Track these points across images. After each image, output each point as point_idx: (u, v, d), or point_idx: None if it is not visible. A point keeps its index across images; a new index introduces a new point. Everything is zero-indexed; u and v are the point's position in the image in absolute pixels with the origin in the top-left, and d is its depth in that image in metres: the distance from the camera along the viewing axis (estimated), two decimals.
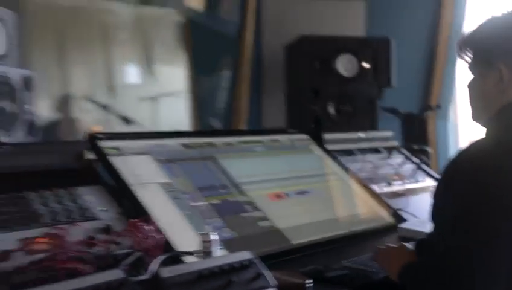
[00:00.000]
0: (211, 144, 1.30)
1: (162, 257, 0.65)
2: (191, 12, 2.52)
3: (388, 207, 1.34)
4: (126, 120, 5.72)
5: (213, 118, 1.06)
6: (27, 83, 1.12)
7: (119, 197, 0.98)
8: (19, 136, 1.08)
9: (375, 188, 1.41)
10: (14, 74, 1.10)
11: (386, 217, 1.31)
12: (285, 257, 1.02)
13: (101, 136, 1.13)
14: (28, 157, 0.99)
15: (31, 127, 1.12)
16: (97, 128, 6.16)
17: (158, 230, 0.79)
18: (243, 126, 2.35)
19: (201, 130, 2.47)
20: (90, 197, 0.96)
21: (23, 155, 0.98)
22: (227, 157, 1.27)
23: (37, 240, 0.72)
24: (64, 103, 5.94)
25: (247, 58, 2.33)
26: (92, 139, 1.11)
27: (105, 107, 5.72)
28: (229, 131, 1.37)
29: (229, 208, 1.09)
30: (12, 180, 0.95)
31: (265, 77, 2.45)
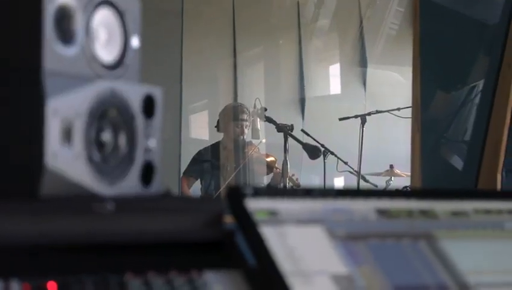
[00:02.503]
0: (427, 213, 1.22)
1: None
2: None
3: None
4: (313, 151, 5.82)
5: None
6: (149, 105, 1.14)
7: None
8: (131, 186, 1.09)
9: None
10: (134, 93, 1.12)
11: None
12: None
13: (249, 191, 1.11)
14: (136, 220, 0.99)
15: (149, 171, 1.13)
16: (270, 160, 6.32)
17: None
18: (498, 173, 2.22)
19: (421, 183, 2.38)
20: None
21: (130, 217, 0.98)
22: (454, 237, 1.18)
23: None
24: (224, 121, 6.19)
25: None
26: (235, 196, 1.09)
27: (285, 130, 5.90)
28: (460, 191, 1.26)
29: None
30: (111, 254, 0.95)
31: None
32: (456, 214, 1.23)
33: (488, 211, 1.25)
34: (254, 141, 5.47)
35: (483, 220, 1.23)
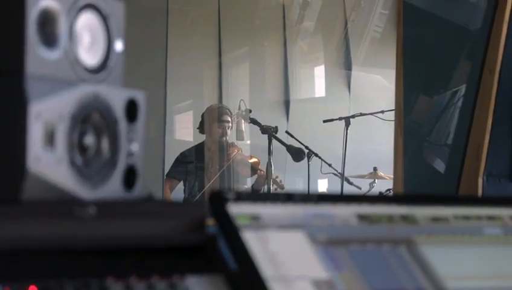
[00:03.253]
0: (407, 218, 1.22)
1: None
2: None
3: None
4: (297, 153, 5.83)
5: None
6: (132, 109, 1.14)
7: None
8: (113, 190, 1.09)
9: None
10: (117, 98, 1.12)
11: None
12: None
13: (232, 196, 1.11)
14: (118, 224, 0.99)
15: (132, 176, 1.14)
16: (254, 161, 6.32)
17: None
18: (480, 177, 2.22)
19: (403, 188, 2.39)
20: None
21: (111, 221, 0.99)
22: (434, 243, 1.19)
23: None
24: (207, 122, 6.18)
25: (496, 65, 2.18)
26: (217, 200, 1.09)
27: (270, 131, 5.90)
28: (439, 197, 1.27)
29: None
30: (92, 259, 0.95)
31: None
32: (435, 219, 1.24)
33: (467, 217, 1.25)
34: (238, 143, 5.47)
35: (462, 226, 1.24)
